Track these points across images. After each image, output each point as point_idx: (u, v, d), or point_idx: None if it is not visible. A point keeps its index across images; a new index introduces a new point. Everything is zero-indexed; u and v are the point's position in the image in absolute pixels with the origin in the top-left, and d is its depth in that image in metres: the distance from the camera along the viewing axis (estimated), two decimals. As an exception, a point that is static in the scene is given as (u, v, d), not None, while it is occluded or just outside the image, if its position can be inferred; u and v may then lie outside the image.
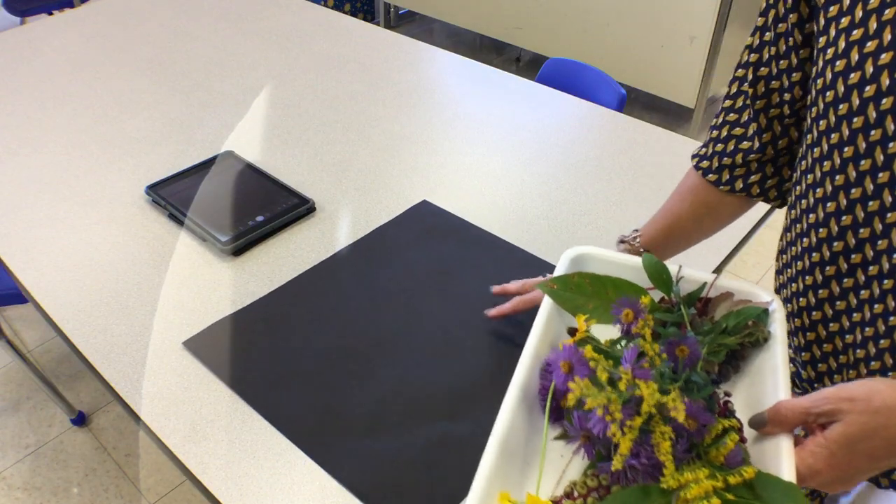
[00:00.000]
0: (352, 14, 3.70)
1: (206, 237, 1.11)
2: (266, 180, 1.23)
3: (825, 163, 0.61)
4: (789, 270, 0.71)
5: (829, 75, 0.58)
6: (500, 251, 1.09)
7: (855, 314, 0.63)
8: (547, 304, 0.73)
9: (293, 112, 1.47)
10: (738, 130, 0.75)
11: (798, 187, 0.67)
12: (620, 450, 0.57)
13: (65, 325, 0.98)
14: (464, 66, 1.68)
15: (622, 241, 0.87)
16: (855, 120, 0.57)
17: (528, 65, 3.45)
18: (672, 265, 0.74)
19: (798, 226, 0.68)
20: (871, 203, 0.58)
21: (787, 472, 0.55)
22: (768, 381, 0.65)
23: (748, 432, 0.62)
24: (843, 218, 0.61)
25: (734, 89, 0.74)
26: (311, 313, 0.99)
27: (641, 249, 0.85)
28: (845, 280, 0.63)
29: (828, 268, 0.65)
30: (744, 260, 2.28)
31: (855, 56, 0.56)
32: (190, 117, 1.44)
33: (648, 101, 3.10)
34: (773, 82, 0.69)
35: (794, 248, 0.69)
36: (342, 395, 0.88)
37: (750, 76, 0.71)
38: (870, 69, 0.55)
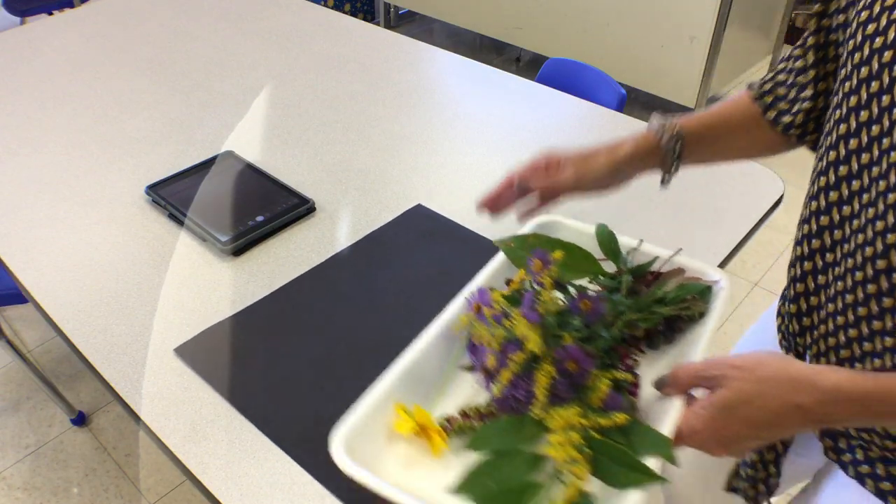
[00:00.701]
0: (352, 14, 3.70)
1: (206, 237, 1.11)
2: (266, 180, 1.23)
3: (837, 115, 0.63)
4: (803, 220, 0.72)
5: (854, 25, 0.60)
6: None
7: (837, 268, 0.64)
8: (499, 258, 0.80)
9: (293, 112, 1.47)
10: (795, 77, 0.75)
11: (822, 146, 0.68)
12: (500, 378, 0.63)
13: (65, 325, 0.98)
14: (464, 66, 1.68)
15: (657, 120, 0.82)
16: (863, 70, 0.58)
17: (528, 65, 3.45)
18: (633, 239, 0.79)
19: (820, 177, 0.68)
20: (863, 155, 0.60)
21: (667, 427, 0.59)
22: (689, 351, 0.69)
23: (654, 395, 0.66)
24: (841, 168, 0.63)
25: (800, 42, 0.74)
26: (302, 320, 0.98)
27: (677, 129, 0.79)
28: (836, 232, 0.65)
29: (823, 218, 0.66)
30: (744, 260, 2.28)
31: (876, 8, 0.58)
32: (190, 117, 1.44)
33: (648, 101, 3.09)
34: (832, 35, 0.70)
35: (808, 208, 0.70)
36: (335, 402, 0.87)
37: (813, 26, 0.71)
38: (883, 22, 0.56)
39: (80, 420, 1.75)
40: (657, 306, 0.71)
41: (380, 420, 0.66)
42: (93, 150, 1.34)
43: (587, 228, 0.83)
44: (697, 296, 0.73)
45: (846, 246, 0.63)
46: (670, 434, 0.59)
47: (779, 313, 0.81)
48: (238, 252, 1.10)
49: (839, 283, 0.64)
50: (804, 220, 0.69)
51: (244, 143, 1.36)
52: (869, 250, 0.59)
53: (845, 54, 0.62)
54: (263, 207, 1.16)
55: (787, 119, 0.76)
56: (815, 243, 0.67)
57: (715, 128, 0.81)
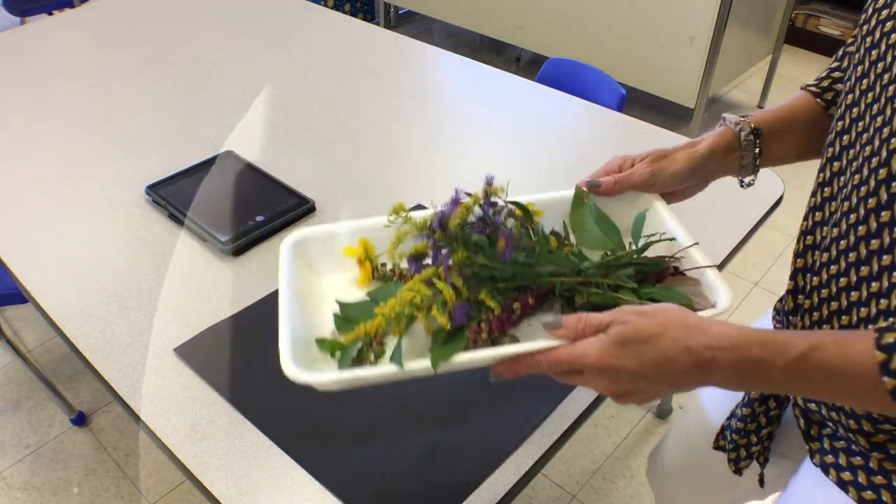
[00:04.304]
0: (352, 14, 3.70)
1: (206, 237, 1.11)
2: (266, 180, 1.23)
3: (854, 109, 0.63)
4: (813, 199, 0.71)
5: (870, 9, 0.61)
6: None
7: (843, 240, 0.64)
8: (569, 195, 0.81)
9: (293, 112, 1.47)
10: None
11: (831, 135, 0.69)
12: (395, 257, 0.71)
13: (65, 325, 0.98)
14: (464, 66, 1.68)
15: (730, 117, 0.80)
16: (881, 66, 0.58)
17: (528, 65, 3.45)
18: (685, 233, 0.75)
19: (837, 163, 0.68)
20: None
21: (529, 345, 0.62)
22: None
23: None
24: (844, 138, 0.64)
25: (852, 37, 0.75)
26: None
27: (753, 124, 0.78)
28: (834, 186, 0.65)
29: (822, 175, 0.67)
30: (744, 260, 2.28)
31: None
32: (190, 117, 1.44)
33: (648, 101, 3.09)
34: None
35: (823, 190, 0.70)
36: (335, 403, 0.87)
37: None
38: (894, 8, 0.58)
39: (80, 420, 1.75)
40: (607, 291, 0.69)
41: (340, 244, 0.79)
42: (93, 150, 1.34)
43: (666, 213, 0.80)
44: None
45: (843, 192, 0.63)
46: (538, 347, 0.61)
47: (774, 309, 0.82)
48: (238, 252, 1.10)
49: (834, 230, 0.64)
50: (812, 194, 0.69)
51: (244, 143, 1.36)
52: (863, 189, 0.60)
53: (863, 51, 0.62)
54: (263, 207, 1.16)
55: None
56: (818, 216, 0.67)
57: (785, 123, 0.79)
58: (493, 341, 0.67)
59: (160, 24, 1.83)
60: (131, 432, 1.73)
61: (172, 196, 1.18)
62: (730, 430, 0.84)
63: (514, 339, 0.68)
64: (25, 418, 1.77)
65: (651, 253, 0.75)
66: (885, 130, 0.57)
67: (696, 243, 0.74)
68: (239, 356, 0.93)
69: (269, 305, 1.00)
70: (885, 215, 0.57)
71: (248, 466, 0.80)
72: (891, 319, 0.57)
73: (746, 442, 0.81)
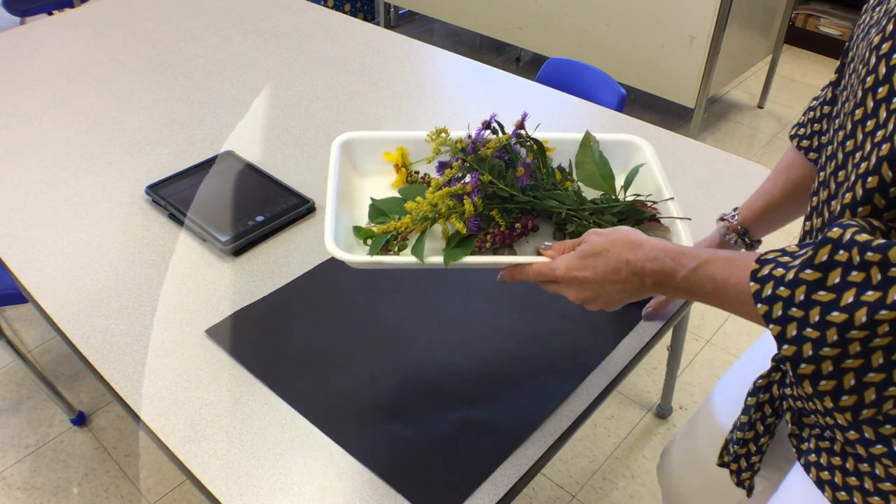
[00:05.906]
0: (352, 14, 3.70)
1: (206, 237, 1.11)
2: (266, 180, 1.23)
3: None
4: (813, 185, 0.74)
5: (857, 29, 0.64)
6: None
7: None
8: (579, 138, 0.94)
9: (293, 112, 1.47)
10: (822, 108, 0.80)
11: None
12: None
13: (65, 325, 0.98)
14: (464, 66, 1.68)
15: (722, 219, 0.96)
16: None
17: (528, 65, 3.45)
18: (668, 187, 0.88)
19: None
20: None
21: (521, 258, 0.77)
22: None
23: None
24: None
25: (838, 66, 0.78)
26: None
27: (739, 227, 0.94)
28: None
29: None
30: (744, 260, 2.28)
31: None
32: (190, 117, 1.44)
33: (648, 101, 3.09)
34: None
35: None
36: (364, 381, 0.89)
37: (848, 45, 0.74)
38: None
39: (80, 420, 1.75)
40: (592, 219, 0.83)
41: (383, 148, 0.94)
42: (93, 150, 1.34)
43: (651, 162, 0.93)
44: None
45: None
46: (518, 260, 0.76)
47: None
48: (238, 252, 1.10)
49: (819, 219, 0.67)
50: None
51: (244, 143, 1.36)
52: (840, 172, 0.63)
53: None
54: (263, 207, 1.16)
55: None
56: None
57: (771, 207, 0.90)
58: (495, 251, 0.81)
59: (160, 24, 1.83)
60: (131, 432, 1.73)
61: (172, 196, 1.18)
62: (731, 443, 0.85)
63: (512, 252, 0.82)
64: (25, 418, 1.77)
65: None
66: (838, 124, 0.62)
67: (672, 198, 0.86)
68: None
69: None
70: (834, 204, 0.61)
71: (249, 466, 0.80)
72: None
73: (746, 451, 0.82)
